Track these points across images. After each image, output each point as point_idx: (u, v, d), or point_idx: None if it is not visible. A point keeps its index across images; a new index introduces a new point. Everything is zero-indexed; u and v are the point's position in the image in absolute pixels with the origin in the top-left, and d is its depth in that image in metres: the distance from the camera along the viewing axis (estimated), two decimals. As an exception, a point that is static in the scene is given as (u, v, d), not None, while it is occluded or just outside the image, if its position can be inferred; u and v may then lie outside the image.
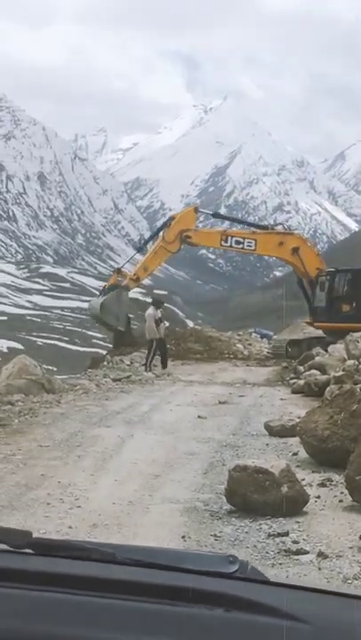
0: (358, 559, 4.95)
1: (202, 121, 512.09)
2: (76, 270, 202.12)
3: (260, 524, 5.80)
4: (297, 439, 8.45)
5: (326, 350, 17.92)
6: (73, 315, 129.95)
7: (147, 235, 33.92)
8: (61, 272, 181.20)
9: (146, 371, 18.78)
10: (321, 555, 5.02)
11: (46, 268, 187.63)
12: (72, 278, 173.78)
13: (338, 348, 16.92)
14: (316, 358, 16.93)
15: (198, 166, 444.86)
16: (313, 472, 7.47)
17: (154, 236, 24.55)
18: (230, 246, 23.27)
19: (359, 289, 21.77)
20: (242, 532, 5.67)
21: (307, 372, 15.48)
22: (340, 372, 12.51)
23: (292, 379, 16.58)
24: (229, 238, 23.00)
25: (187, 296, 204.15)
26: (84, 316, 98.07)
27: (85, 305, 47.72)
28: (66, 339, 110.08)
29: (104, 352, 22.85)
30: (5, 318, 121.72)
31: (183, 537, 5.51)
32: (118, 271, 22.89)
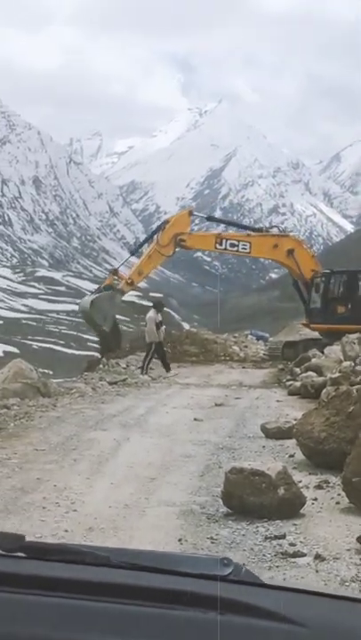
0: (356, 561, 4.93)
1: (197, 124, 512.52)
2: (71, 274, 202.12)
3: (257, 527, 5.78)
4: (293, 441, 8.43)
5: (322, 352, 17.91)
6: (68, 318, 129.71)
7: (142, 238, 33.83)
8: (57, 275, 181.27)
9: (142, 374, 18.77)
10: (318, 557, 5.00)
11: (42, 272, 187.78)
12: (67, 282, 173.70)
13: (334, 350, 16.91)
14: (313, 360, 16.91)
15: (193, 169, 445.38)
16: (310, 474, 7.45)
17: (148, 240, 24.47)
18: (225, 249, 23.20)
19: (355, 290, 21.86)
20: (238, 534, 5.64)
21: (303, 374, 15.47)
22: (337, 374, 12.49)
23: (288, 380, 16.57)
24: (224, 241, 22.93)
25: (182, 298, 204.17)
26: (79, 320, 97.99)
27: (81, 308, 47.38)
28: (61, 342, 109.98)
29: (100, 355, 22.64)
30: (1, 322, 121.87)
31: (180, 540, 5.49)
32: (115, 272, 22.87)
